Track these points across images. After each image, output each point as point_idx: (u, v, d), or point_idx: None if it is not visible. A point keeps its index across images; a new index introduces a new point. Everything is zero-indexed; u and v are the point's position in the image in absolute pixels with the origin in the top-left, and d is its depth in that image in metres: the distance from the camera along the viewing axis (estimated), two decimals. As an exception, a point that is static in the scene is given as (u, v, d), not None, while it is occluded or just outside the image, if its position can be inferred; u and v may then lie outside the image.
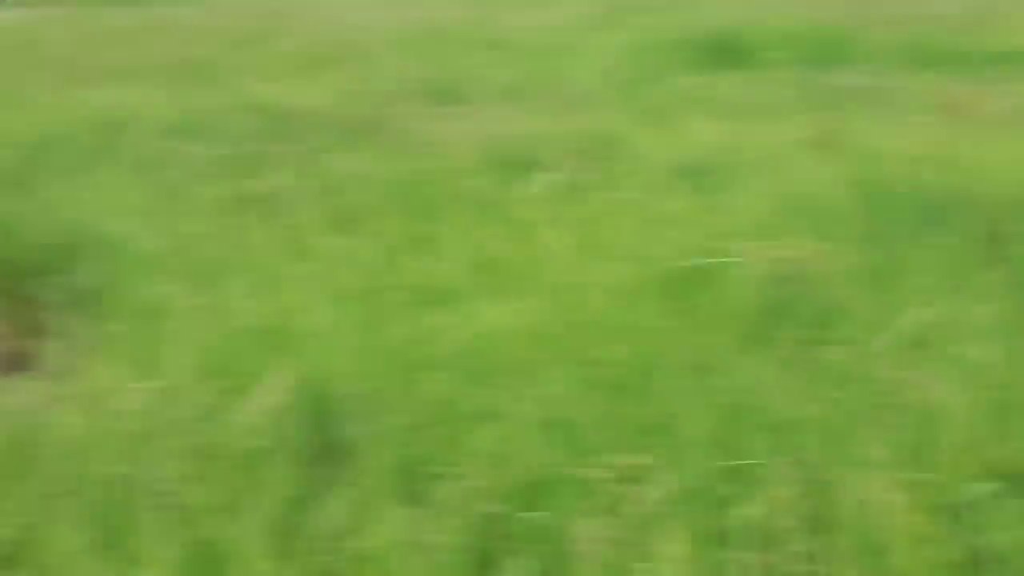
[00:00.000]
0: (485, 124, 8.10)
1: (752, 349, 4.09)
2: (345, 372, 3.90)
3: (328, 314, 4.37)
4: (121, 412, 3.58)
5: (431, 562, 2.95)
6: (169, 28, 16.98)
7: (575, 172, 6.47)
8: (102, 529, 3.13)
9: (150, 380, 3.84)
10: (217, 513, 3.15)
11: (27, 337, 5.11)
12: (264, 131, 8.06)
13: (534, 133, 7.61)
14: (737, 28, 13.45)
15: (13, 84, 10.93)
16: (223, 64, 12.02)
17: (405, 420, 3.59)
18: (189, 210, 6.11)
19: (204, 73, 11.36)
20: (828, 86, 9.48)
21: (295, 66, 11.80)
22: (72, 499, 3.24)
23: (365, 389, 3.78)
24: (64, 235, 5.70)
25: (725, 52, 11.99)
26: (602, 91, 9.72)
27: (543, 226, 5.43)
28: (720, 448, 3.37)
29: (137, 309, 4.66)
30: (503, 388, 3.75)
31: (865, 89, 9.16)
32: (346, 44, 13.59)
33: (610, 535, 2.97)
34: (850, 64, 10.94)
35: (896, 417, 3.51)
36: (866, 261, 4.86)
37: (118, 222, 5.74)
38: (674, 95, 9.44)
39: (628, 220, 5.55)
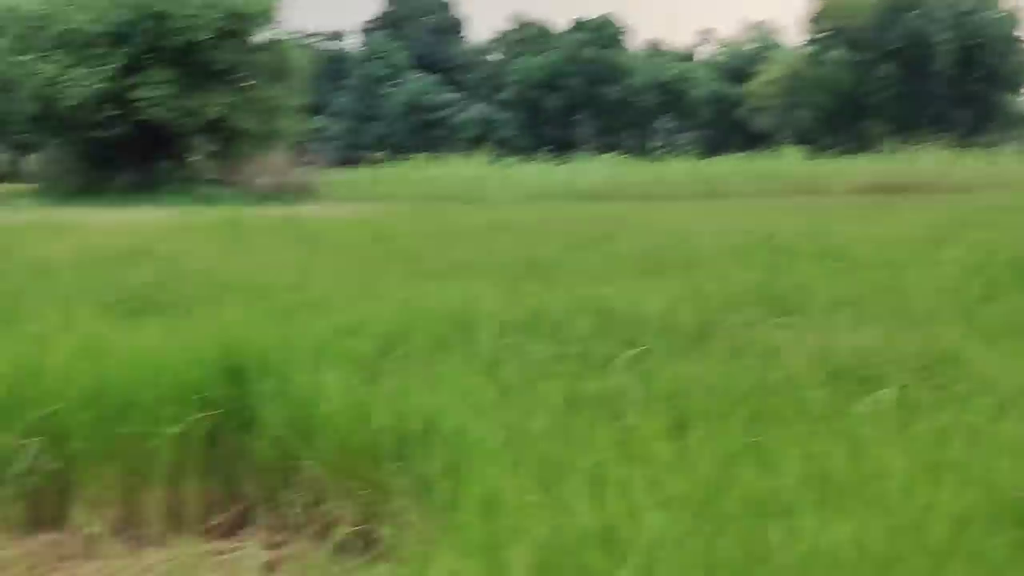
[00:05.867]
0: (820, 336, 8.08)
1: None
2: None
3: (661, 520, 4.46)
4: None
5: None
6: (511, 227, 19.97)
7: (913, 390, 6.58)
8: None
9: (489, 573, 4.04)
10: None
11: (373, 521, 5.70)
12: (600, 332, 8.23)
13: (870, 347, 7.61)
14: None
15: (368, 276, 12.03)
16: (562, 264, 13.38)
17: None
18: (528, 407, 6.26)
19: (544, 272, 12.46)
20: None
21: (631, 269, 12.83)
22: None
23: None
24: (411, 424, 6.05)
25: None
26: (941, 307, 9.59)
27: (880, 444, 5.47)
28: None
29: (476, 501, 4.88)
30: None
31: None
32: (681, 250, 14.93)
33: None
34: None
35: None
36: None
37: (459, 414, 6.01)
38: (1017, 314, 9.30)
39: (971, 444, 5.48)
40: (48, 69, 42.41)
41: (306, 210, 29.99)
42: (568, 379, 6.95)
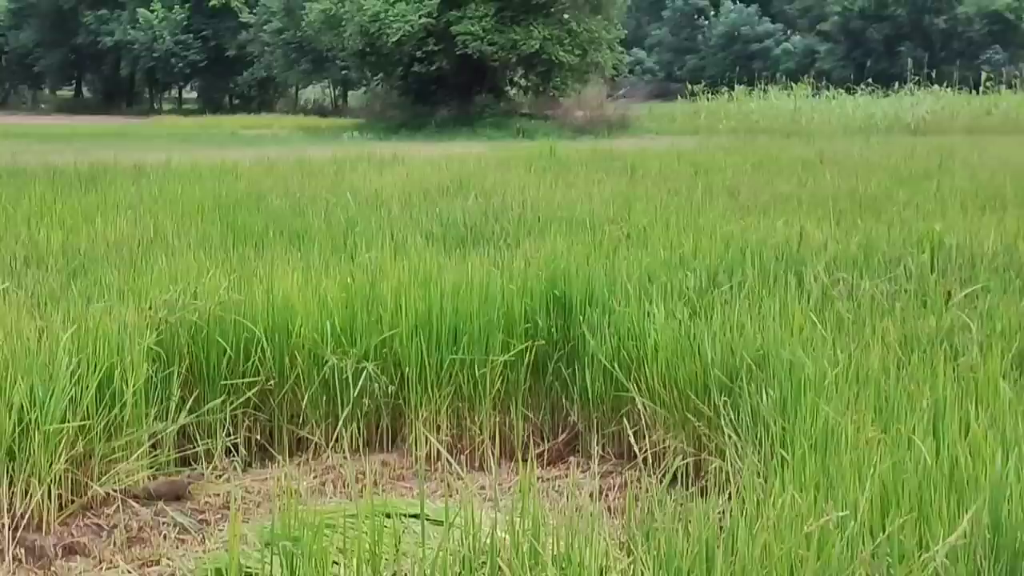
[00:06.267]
0: None
1: None
2: None
3: (1006, 462, 4.26)
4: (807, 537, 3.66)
5: None
6: (835, 161, 19.70)
7: None
8: None
9: (826, 508, 3.92)
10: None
11: (702, 453, 5.85)
12: (934, 269, 8.29)
13: None
14: None
15: (690, 209, 12.12)
16: (891, 199, 13.27)
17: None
18: (861, 343, 6.22)
19: (872, 207, 12.40)
20: None
21: (964, 204, 12.56)
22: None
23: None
24: (741, 358, 6.03)
25: None
26: None
27: None
28: None
29: (812, 436, 4.86)
30: None
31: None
32: (1017, 185, 14.51)
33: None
34: None
35: None
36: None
37: (790, 349, 5.93)
38: None
39: None
40: (373, 5, 43.55)
41: (623, 143, 30.09)
42: (903, 316, 6.82)
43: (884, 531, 3.78)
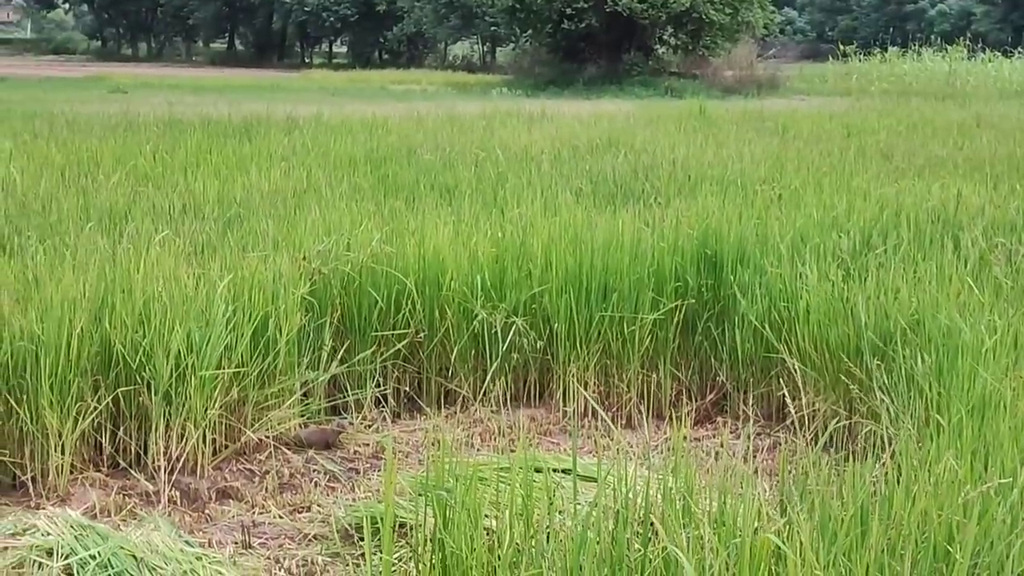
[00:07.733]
0: None
1: None
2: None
3: None
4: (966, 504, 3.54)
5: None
6: (991, 124, 19.65)
7: None
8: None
9: (984, 474, 3.95)
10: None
11: (853, 416, 5.77)
12: None
13: None
14: None
15: (842, 171, 12.03)
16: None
17: None
18: (1020, 309, 6.12)
19: None
20: None
21: None
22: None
23: None
24: (895, 322, 5.95)
25: None
26: None
27: None
28: None
29: (967, 401, 4.82)
30: None
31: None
32: None
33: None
34: None
35: None
36: None
37: (947, 313, 5.85)
38: None
39: None
40: (524, -39, 43.57)
41: (773, 103, 29.70)
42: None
43: (1045, 501, 3.69)
